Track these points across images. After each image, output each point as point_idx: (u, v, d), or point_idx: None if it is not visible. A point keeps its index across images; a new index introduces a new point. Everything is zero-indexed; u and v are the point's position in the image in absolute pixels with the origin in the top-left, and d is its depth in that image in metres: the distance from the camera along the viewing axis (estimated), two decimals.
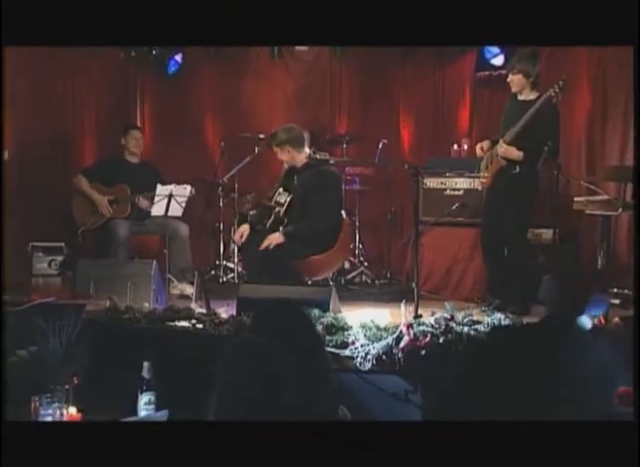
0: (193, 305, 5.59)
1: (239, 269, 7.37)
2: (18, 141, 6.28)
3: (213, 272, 7.46)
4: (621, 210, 5.33)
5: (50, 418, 3.02)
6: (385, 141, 7.30)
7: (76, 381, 3.26)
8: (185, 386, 3.76)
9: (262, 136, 7.53)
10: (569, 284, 3.03)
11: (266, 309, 2.95)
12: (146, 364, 3.35)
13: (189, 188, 6.80)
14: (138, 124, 8.23)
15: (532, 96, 5.81)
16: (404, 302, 5.02)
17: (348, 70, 8.27)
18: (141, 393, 3.35)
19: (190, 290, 6.85)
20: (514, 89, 5.89)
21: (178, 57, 7.87)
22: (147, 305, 5.62)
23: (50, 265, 6.36)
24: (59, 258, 6.41)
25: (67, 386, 3.20)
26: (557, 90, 5.60)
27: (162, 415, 3.23)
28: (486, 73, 7.63)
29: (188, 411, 3.35)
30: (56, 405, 3.09)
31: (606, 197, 5.40)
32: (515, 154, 5.76)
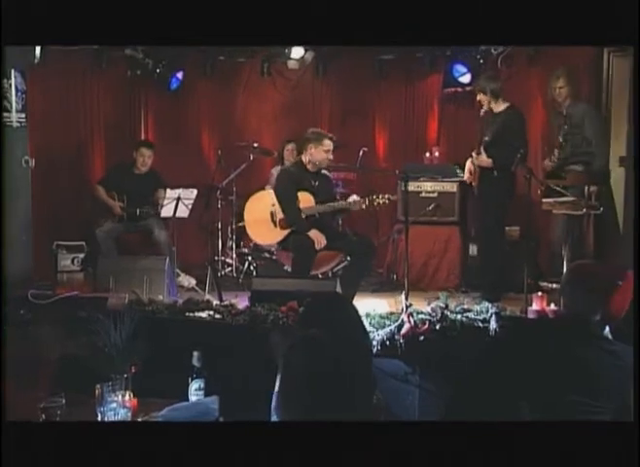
0: (207, 297, 5.50)
1: (236, 264, 7.30)
2: (40, 152, 6.11)
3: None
4: (585, 210, 5.34)
5: (114, 405, 2.92)
6: (365, 149, 7.25)
7: (134, 371, 3.16)
8: (229, 373, 3.68)
9: (255, 145, 7.49)
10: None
11: (317, 303, 2.88)
12: (196, 353, 3.25)
13: (195, 191, 6.70)
14: (142, 134, 8.12)
15: (502, 107, 5.96)
16: (403, 293, 4.96)
17: (329, 86, 8.24)
18: (191, 380, 3.25)
19: (192, 282, 6.79)
20: (485, 106, 5.96)
21: (179, 75, 7.72)
22: (161, 297, 5.52)
23: (72, 261, 6.21)
24: (81, 255, 6.26)
25: (126, 375, 3.10)
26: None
27: (213, 401, 3.14)
28: (452, 90, 7.61)
29: (233, 396, 3.29)
30: (118, 392, 2.99)
31: (572, 198, 5.40)
32: (485, 161, 5.84)
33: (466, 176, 6.18)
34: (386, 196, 5.70)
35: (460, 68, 7.30)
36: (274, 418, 2.96)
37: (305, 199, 5.86)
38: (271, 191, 6.16)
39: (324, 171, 6.12)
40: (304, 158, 5.89)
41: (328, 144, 5.84)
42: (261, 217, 6.07)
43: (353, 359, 2.64)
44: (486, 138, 5.92)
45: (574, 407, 2.78)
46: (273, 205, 5.97)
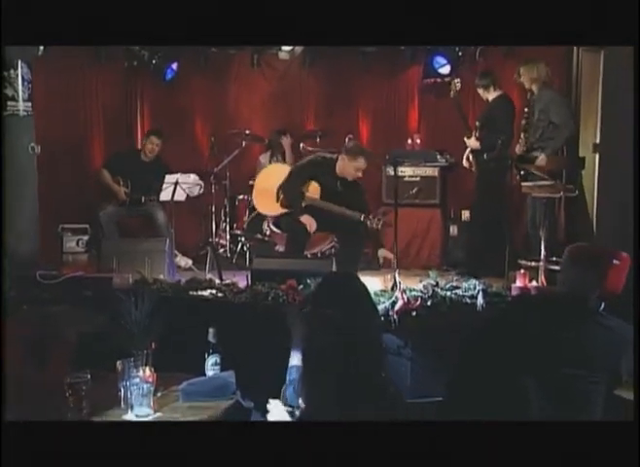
0: (209, 276, 5.43)
1: (230, 245, 7.23)
2: (45, 140, 5.98)
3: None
4: (562, 193, 5.34)
5: (137, 380, 2.86)
6: (351, 136, 7.17)
7: (153, 347, 3.10)
8: (240, 348, 3.63)
9: (247, 132, 7.42)
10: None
11: (330, 281, 2.83)
12: (211, 330, 3.20)
13: (192, 176, 6.60)
14: (139, 123, 7.99)
15: (494, 95, 6.25)
16: (397, 271, 4.93)
17: (316, 77, 8.12)
18: (208, 356, 3.21)
19: (189, 262, 6.73)
20: (484, 98, 6.28)
21: (174, 66, 7.59)
22: (162, 276, 5.45)
23: (77, 243, 6.11)
24: (85, 237, 6.16)
25: (146, 351, 3.04)
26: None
27: (230, 375, 3.10)
28: (432, 80, 7.56)
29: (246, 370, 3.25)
30: (139, 367, 2.93)
31: (550, 182, 5.39)
32: (474, 144, 5.91)
33: (465, 163, 6.30)
34: (382, 220, 5.57)
35: (440, 60, 7.26)
36: (292, 393, 2.94)
37: (313, 190, 5.77)
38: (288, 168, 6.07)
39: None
40: (340, 161, 5.69)
41: (362, 162, 5.60)
42: (268, 188, 5.96)
43: (369, 335, 2.61)
44: (477, 123, 6.03)
45: (571, 379, 2.79)
46: None
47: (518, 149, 5.90)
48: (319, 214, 5.65)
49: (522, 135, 5.85)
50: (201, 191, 6.61)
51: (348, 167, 5.61)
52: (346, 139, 7.02)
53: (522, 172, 5.70)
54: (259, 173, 6.56)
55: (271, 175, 6.16)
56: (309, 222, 5.61)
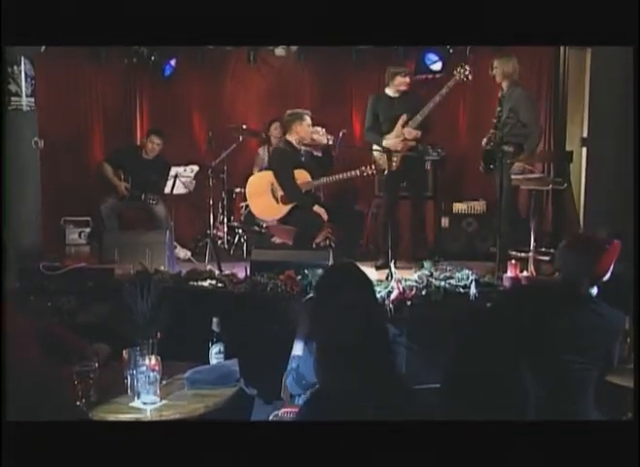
0: (209, 267, 5.41)
1: (227, 237, 7.20)
2: (47, 134, 5.94)
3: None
4: (551, 186, 5.33)
5: (144, 368, 2.84)
6: (345, 131, 7.13)
7: (159, 336, 3.08)
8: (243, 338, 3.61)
9: (244, 127, 7.37)
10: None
11: (335, 272, 2.83)
12: (215, 319, 3.19)
13: (190, 168, 6.55)
14: (138, 118, 7.93)
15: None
16: (393, 262, 4.92)
17: (310, 73, 8.07)
18: (212, 344, 3.19)
19: (188, 254, 6.70)
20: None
21: (173, 62, 7.55)
22: (163, 267, 5.42)
23: (79, 235, 6.07)
24: (87, 230, 6.12)
25: (152, 340, 3.02)
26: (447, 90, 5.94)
27: (233, 363, 3.08)
28: (424, 77, 7.51)
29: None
30: (145, 356, 2.90)
31: (539, 175, 5.37)
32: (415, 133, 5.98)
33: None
34: (373, 167, 5.66)
35: (432, 57, 7.23)
36: (291, 381, 2.93)
37: (302, 176, 5.77)
38: (269, 172, 6.02)
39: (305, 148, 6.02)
40: (290, 137, 5.79)
41: (308, 119, 5.87)
42: (262, 194, 5.92)
43: (374, 323, 2.61)
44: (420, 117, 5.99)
45: (566, 366, 2.78)
46: (273, 184, 5.84)
47: (486, 143, 5.81)
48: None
49: (492, 131, 5.79)
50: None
51: (302, 130, 5.84)
52: (340, 134, 7.01)
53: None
54: (246, 189, 6.39)
55: (259, 183, 6.05)
56: (321, 211, 5.66)
